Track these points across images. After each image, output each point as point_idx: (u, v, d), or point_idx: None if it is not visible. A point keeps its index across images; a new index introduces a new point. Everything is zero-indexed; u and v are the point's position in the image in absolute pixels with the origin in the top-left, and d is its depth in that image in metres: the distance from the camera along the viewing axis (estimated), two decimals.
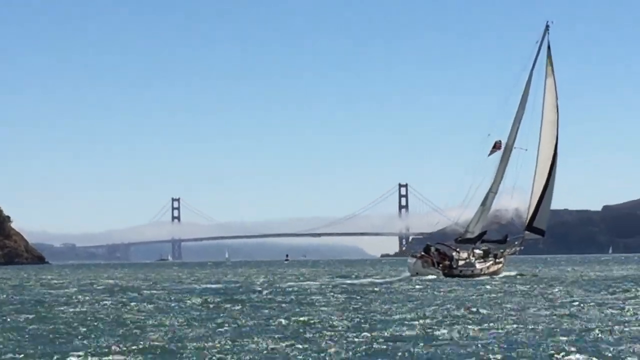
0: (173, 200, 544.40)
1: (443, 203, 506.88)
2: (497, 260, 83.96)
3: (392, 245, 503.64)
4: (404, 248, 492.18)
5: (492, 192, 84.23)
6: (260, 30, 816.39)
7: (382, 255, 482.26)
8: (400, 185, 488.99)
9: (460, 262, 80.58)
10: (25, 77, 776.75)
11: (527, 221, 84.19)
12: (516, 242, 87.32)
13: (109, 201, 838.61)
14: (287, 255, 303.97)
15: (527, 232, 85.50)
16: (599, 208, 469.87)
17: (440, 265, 79.04)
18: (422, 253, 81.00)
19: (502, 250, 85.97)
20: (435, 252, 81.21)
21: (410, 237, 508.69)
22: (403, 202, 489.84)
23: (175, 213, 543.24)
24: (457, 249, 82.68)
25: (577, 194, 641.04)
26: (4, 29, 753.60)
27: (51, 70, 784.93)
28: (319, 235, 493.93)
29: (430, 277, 75.34)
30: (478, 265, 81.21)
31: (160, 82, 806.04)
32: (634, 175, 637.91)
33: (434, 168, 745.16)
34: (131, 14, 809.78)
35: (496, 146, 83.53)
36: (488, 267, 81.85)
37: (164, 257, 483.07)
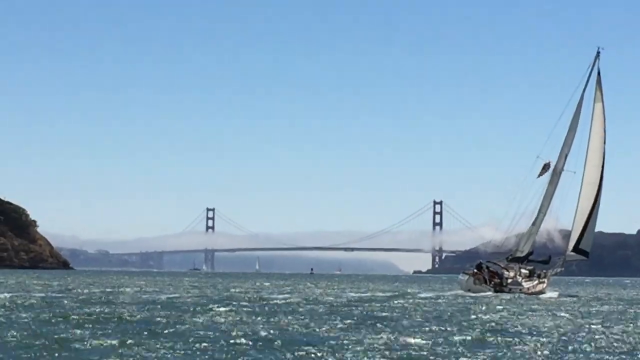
0: (208, 210, 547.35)
1: (477, 222, 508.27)
2: (540, 279, 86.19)
3: (424, 262, 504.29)
4: (436, 265, 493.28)
5: (542, 212, 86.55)
6: (293, 39, 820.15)
7: (415, 272, 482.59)
8: (435, 202, 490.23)
9: (509, 280, 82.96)
10: (62, 80, 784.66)
11: (574, 243, 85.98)
12: (559, 263, 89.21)
13: (144, 209, 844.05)
14: (312, 269, 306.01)
15: (572, 253, 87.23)
16: (634, 231, 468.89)
17: (492, 282, 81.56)
18: (475, 271, 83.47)
19: (545, 271, 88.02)
20: (486, 269, 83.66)
21: (444, 255, 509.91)
22: (437, 219, 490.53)
23: (210, 223, 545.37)
24: (506, 268, 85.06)
25: (612, 217, 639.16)
26: (26, 31, 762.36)
27: (89, 74, 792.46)
28: (352, 249, 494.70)
29: (482, 293, 77.59)
30: (525, 284, 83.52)
31: (200, 92, 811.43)
32: None
33: (468, 187, 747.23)
34: (179, 20, 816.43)
35: (545, 168, 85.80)
36: (534, 286, 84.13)
37: (197, 267, 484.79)
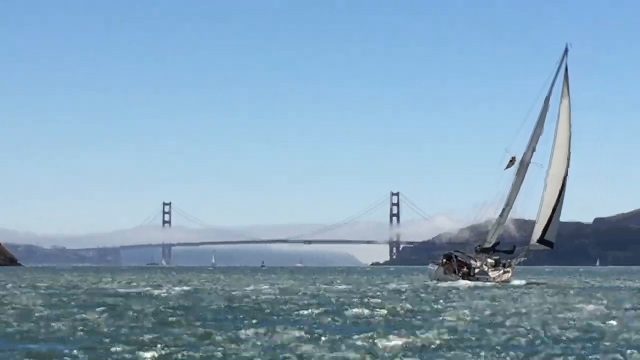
0: (164, 204, 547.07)
1: (433, 212, 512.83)
2: (505, 269, 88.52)
3: (382, 254, 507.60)
4: (394, 257, 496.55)
5: (509, 205, 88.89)
6: (258, 32, 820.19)
7: (373, 264, 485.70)
8: (392, 194, 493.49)
9: (477, 270, 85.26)
10: (17, 76, 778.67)
11: (540, 234, 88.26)
12: (523, 254, 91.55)
13: (100, 204, 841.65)
14: (263, 262, 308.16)
15: (537, 244, 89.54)
16: (590, 220, 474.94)
17: (461, 272, 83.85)
18: (445, 261, 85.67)
19: (509, 260, 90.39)
20: (455, 259, 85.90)
21: (402, 246, 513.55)
22: (395, 211, 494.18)
23: (167, 217, 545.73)
24: (473, 258, 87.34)
25: (569, 206, 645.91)
26: None
27: (42, 70, 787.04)
28: (310, 242, 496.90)
29: (452, 283, 79.76)
30: (491, 274, 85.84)
31: (155, 86, 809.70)
32: (626, 188, 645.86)
33: (425, 179, 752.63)
34: (123, 13, 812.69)
35: (512, 161, 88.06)
36: (500, 276, 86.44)
37: (156, 262, 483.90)
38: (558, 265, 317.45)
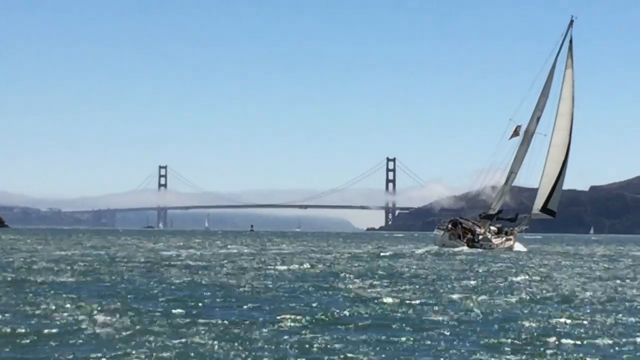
0: (160, 167, 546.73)
1: (428, 178, 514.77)
2: (507, 236, 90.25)
3: (377, 219, 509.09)
4: (390, 222, 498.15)
5: (514, 172, 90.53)
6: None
7: (368, 229, 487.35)
8: (388, 159, 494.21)
9: (480, 237, 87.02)
10: (12, 39, 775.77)
11: (543, 202, 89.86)
12: (525, 221, 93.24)
13: (96, 167, 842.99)
14: (251, 226, 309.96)
15: (540, 212, 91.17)
16: (586, 188, 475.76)
17: (465, 238, 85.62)
18: (451, 227, 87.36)
19: (512, 228, 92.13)
20: (460, 226, 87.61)
21: (397, 212, 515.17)
22: (390, 177, 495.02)
23: (162, 181, 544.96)
24: (477, 224, 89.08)
25: (566, 174, 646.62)
26: None
27: (41, 28, 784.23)
28: (306, 207, 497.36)
29: (457, 249, 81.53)
30: (494, 240, 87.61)
31: (153, 48, 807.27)
32: (623, 156, 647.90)
33: (421, 144, 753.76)
34: None
35: (516, 130, 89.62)
36: (503, 243, 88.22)
37: (151, 225, 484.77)
38: (551, 233, 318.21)
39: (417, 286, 35.23)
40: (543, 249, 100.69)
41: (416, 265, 52.78)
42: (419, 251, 79.37)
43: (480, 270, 48.26)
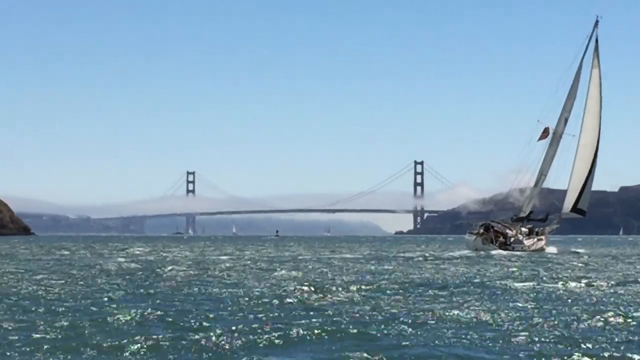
0: (188, 173, 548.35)
1: (456, 181, 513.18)
2: (538, 237, 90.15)
3: (406, 223, 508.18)
4: (418, 225, 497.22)
5: (543, 174, 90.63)
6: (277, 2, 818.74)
7: (396, 233, 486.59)
8: (416, 163, 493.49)
9: (512, 239, 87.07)
10: (32, 42, 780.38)
11: (573, 202, 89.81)
12: (555, 221, 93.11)
13: (124, 174, 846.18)
14: (277, 231, 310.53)
15: (570, 212, 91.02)
16: (615, 189, 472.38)
17: (497, 242, 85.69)
18: (483, 231, 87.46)
19: (542, 228, 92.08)
20: (492, 229, 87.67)
21: (425, 215, 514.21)
22: (418, 180, 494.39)
23: (190, 187, 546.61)
24: (508, 227, 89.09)
25: (595, 175, 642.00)
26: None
27: (64, 35, 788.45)
28: (334, 211, 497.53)
29: (492, 252, 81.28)
30: (526, 242, 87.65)
31: (180, 54, 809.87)
32: None
33: (449, 147, 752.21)
34: None
35: (545, 132, 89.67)
36: (534, 244, 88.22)
37: (180, 231, 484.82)
38: (578, 234, 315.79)
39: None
40: (592, 251, 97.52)
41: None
42: (456, 254, 79.36)
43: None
